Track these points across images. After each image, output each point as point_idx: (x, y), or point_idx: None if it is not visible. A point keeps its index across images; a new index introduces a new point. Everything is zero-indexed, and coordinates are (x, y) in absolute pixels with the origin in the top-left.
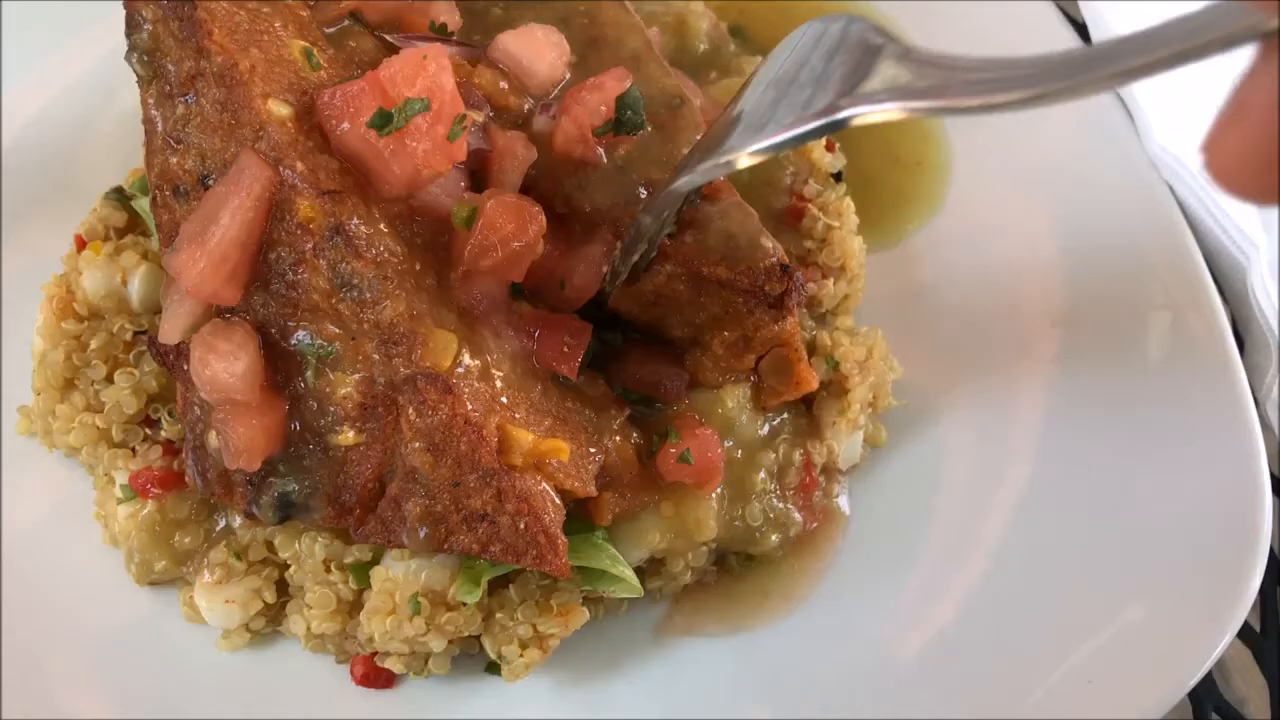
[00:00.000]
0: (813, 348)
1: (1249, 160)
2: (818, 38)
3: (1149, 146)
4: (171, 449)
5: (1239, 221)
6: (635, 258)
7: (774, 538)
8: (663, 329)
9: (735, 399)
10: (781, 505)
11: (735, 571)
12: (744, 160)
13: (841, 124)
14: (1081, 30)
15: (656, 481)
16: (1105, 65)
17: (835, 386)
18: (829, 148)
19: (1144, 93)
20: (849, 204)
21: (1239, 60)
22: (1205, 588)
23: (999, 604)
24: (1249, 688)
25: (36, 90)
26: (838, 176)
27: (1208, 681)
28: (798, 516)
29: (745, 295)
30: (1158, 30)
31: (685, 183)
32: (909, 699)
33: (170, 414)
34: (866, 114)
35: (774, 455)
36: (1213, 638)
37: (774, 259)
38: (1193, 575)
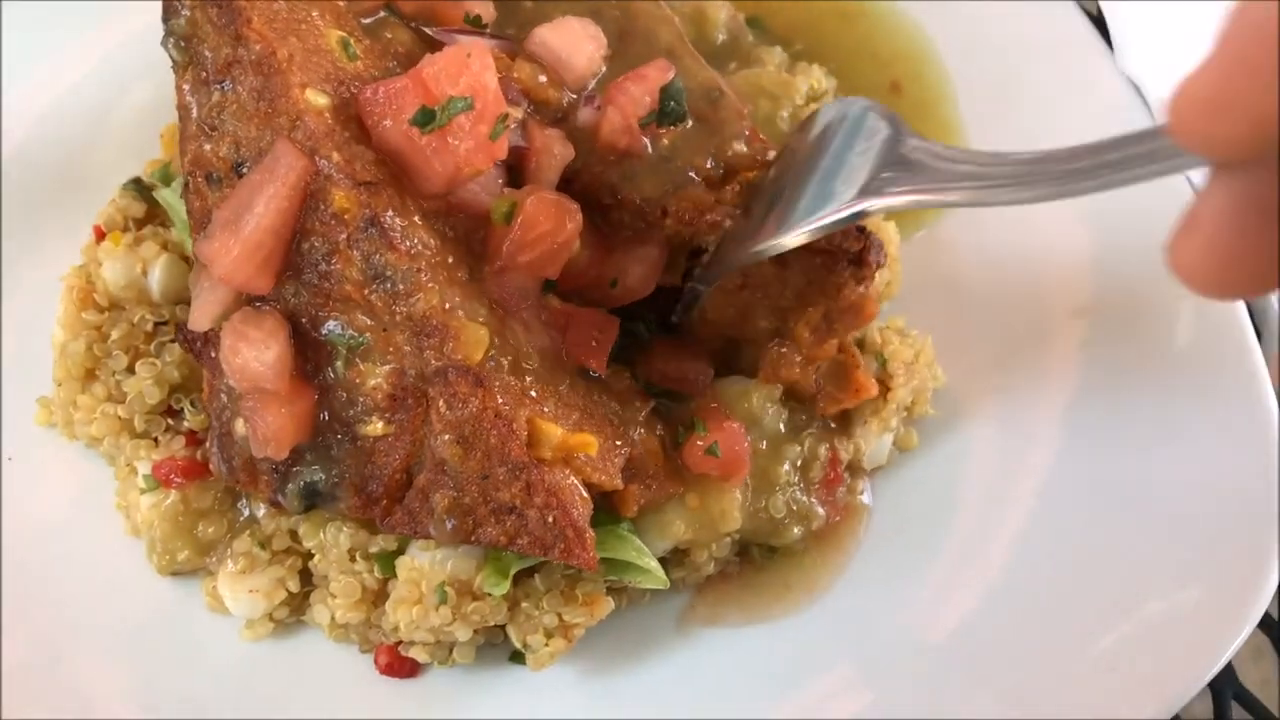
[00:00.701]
0: (862, 344)
1: (1204, 265)
2: (840, 120)
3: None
4: (194, 439)
5: None
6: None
7: (796, 530)
8: (746, 324)
9: (760, 393)
10: (805, 499)
11: (758, 563)
12: (789, 244)
13: (865, 214)
14: (1099, 24)
15: (681, 473)
16: (1085, 174)
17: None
18: None
19: (1159, 84)
20: None
21: None
22: (1226, 577)
23: (1021, 593)
24: (1268, 675)
25: (52, 82)
26: None
27: (1228, 669)
28: (820, 510)
29: (826, 256)
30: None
31: (736, 260)
32: (931, 688)
33: (193, 404)
34: (884, 207)
35: (799, 449)
36: (1234, 627)
37: None
38: (1214, 565)
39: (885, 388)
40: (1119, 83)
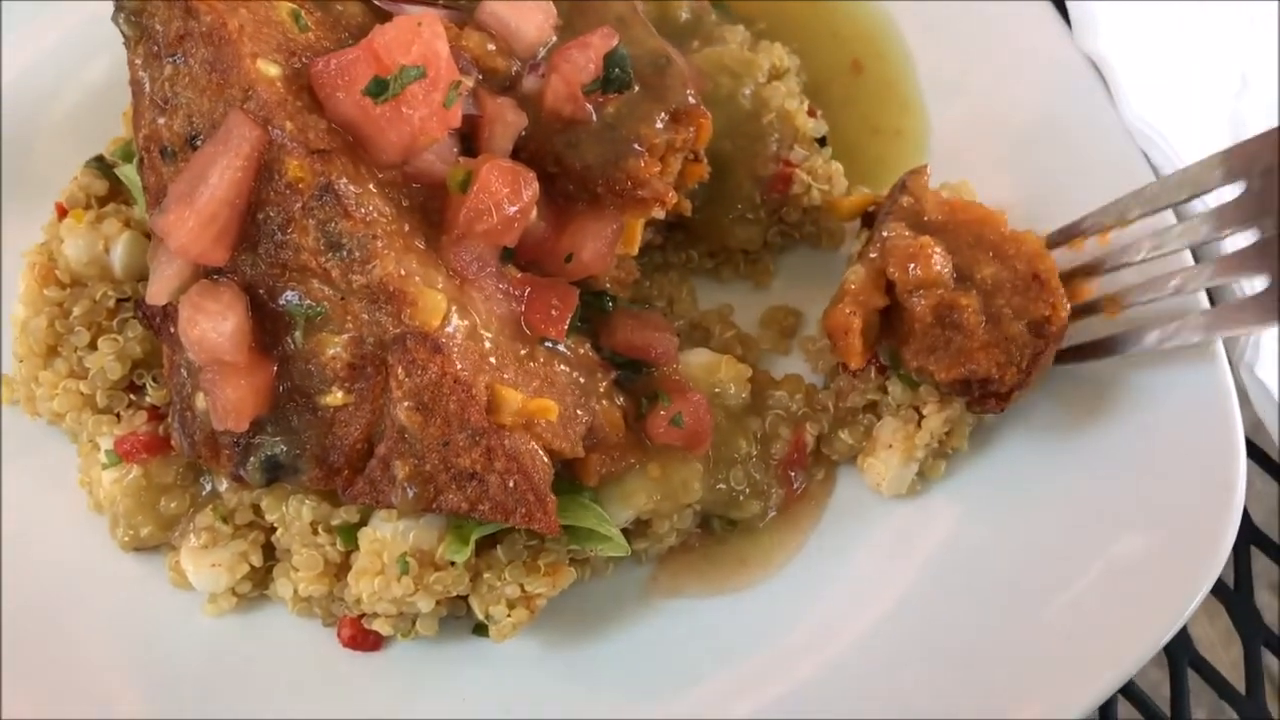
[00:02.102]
0: (896, 361)
1: None
2: None
3: (1125, 115)
4: (156, 414)
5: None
6: None
7: (755, 505)
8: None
9: (726, 366)
10: (764, 476)
11: (718, 535)
12: None
13: None
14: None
15: (643, 444)
16: None
17: (906, 410)
18: (811, 113)
19: (1120, 61)
20: (838, 167)
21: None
22: (1181, 545)
23: (976, 559)
24: (1223, 643)
25: (13, 59)
26: (822, 141)
27: (1183, 636)
28: (779, 489)
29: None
30: None
31: None
32: (885, 657)
33: (155, 379)
34: None
35: (761, 422)
36: (1188, 593)
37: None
38: (1168, 533)
39: (918, 414)
40: (1078, 59)
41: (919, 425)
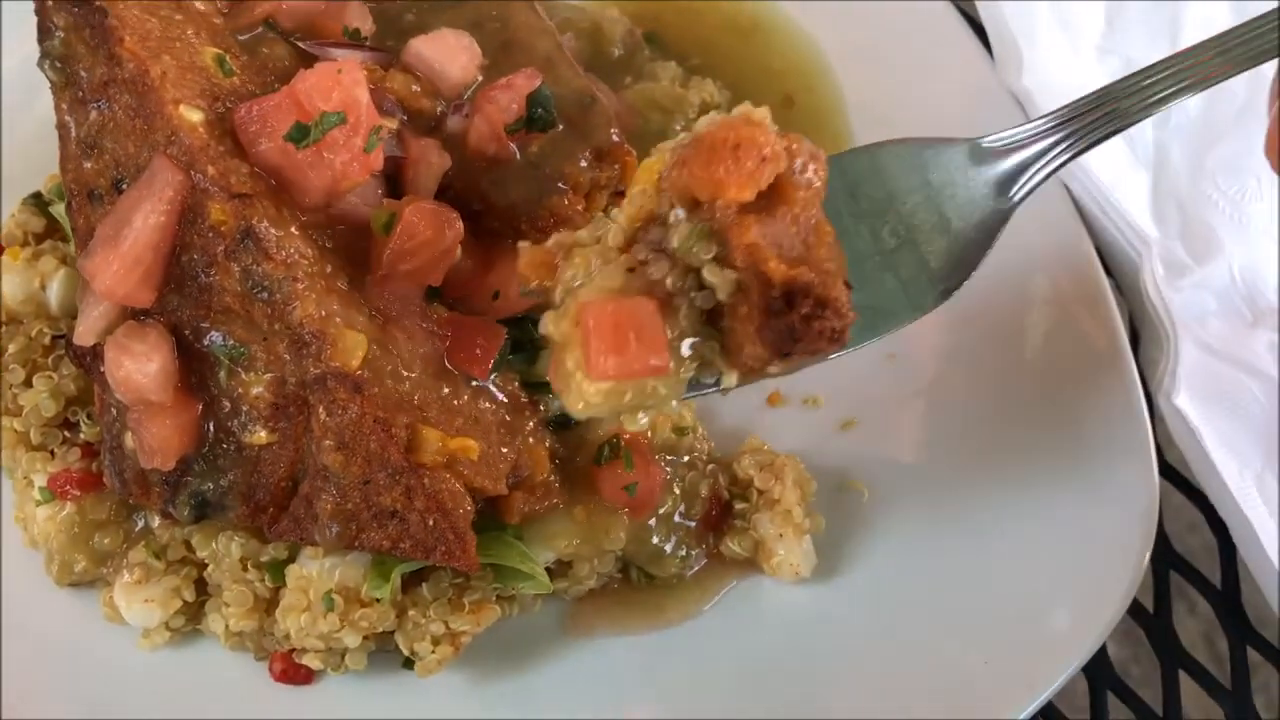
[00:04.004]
0: (735, 480)
1: None
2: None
3: None
4: (90, 451)
5: (1132, 217)
6: None
7: (674, 564)
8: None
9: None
10: (686, 535)
11: (635, 584)
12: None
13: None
14: (980, 32)
15: (574, 485)
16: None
17: (764, 499)
18: None
19: (1042, 92)
20: None
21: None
22: (1098, 567)
23: (892, 587)
24: (1143, 668)
25: None
26: None
27: (1103, 662)
28: (699, 552)
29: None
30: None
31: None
32: (804, 692)
33: (89, 416)
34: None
35: (682, 481)
36: (1104, 615)
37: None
38: (1085, 556)
39: (772, 500)
40: (1003, 95)
41: (783, 507)
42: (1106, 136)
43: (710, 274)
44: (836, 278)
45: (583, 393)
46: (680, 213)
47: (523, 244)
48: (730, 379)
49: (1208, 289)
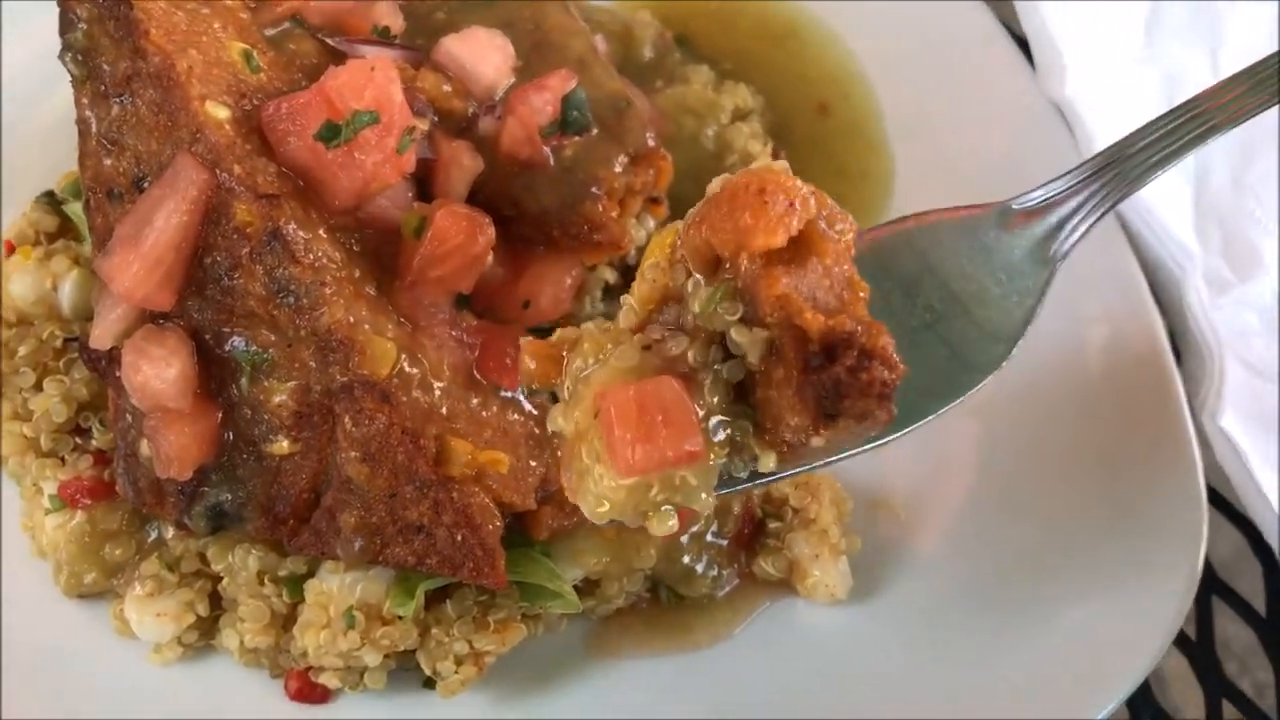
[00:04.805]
0: (769, 499)
1: None
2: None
3: (1088, 154)
4: (102, 458)
5: (1175, 233)
6: None
7: (705, 584)
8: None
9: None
10: (717, 554)
11: (664, 604)
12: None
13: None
14: (1025, 46)
15: None
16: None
17: (799, 518)
18: (775, 154)
19: (1086, 107)
20: None
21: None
22: (1142, 597)
23: (933, 618)
24: (1185, 696)
25: None
26: None
27: (1145, 691)
28: (730, 572)
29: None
30: None
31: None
32: (841, 713)
33: (101, 422)
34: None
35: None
36: (1149, 647)
37: None
38: (1130, 585)
39: (808, 520)
40: (1043, 103)
41: (820, 527)
42: (1140, 184)
43: (738, 335)
44: (880, 327)
45: (604, 492)
46: (698, 279)
47: (524, 339)
48: (768, 460)
49: (1250, 306)
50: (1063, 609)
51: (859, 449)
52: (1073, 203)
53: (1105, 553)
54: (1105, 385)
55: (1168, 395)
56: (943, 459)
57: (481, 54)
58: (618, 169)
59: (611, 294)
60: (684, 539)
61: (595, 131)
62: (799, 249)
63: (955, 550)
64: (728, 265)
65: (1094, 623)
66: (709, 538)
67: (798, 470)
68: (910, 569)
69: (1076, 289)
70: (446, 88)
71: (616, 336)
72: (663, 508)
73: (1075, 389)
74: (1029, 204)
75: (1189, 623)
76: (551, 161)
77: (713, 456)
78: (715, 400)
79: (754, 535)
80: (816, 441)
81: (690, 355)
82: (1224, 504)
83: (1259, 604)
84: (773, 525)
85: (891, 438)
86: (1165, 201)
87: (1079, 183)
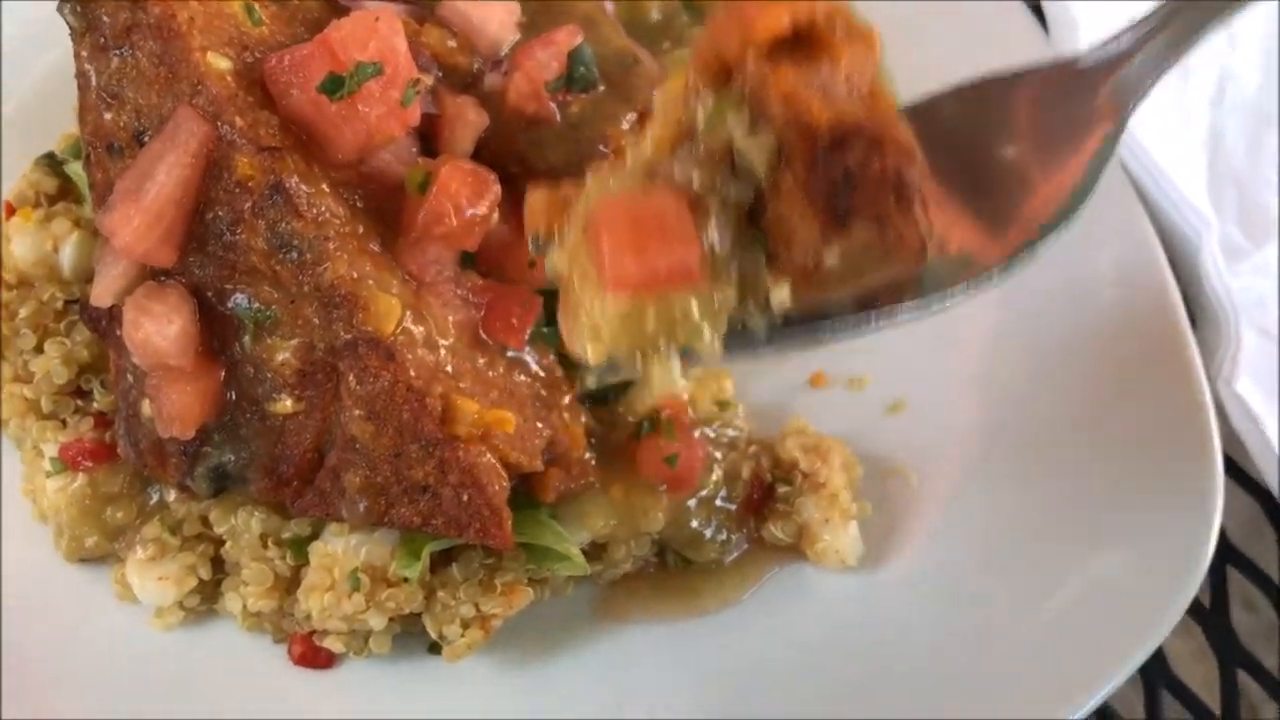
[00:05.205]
0: (778, 463)
1: None
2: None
3: None
4: (103, 420)
5: (1191, 198)
6: None
7: (714, 551)
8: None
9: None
10: (726, 518)
11: (672, 569)
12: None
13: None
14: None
15: (612, 463)
16: None
17: (809, 482)
18: None
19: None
20: None
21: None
22: (1157, 564)
23: (944, 582)
24: (1200, 665)
25: None
26: None
27: (1159, 659)
28: (739, 536)
29: None
30: None
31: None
32: (852, 680)
33: (102, 384)
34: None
35: (723, 462)
36: (1163, 614)
37: None
38: (1143, 553)
39: (821, 484)
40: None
41: (829, 491)
42: (1208, 29)
43: (743, 144)
44: (894, 117)
45: (595, 319)
46: (706, 95)
47: (531, 191)
48: (781, 291)
49: (1266, 273)
50: (1074, 577)
51: (897, 314)
52: (1140, 55)
53: (1118, 520)
54: (1119, 351)
55: (1183, 361)
56: (954, 426)
57: (487, 10)
58: (625, 126)
59: None
60: (691, 504)
61: (602, 88)
62: (812, 49)
63: (966, 517)
64: (736, 77)
65: (1106, 590)
66: (718, 502)
67: (819, 334)
68: (921, 536)
69: (1090, 251)
70: (451, 43)
71: (624, 172)
72: (663, 348)
73: (1088, 355)
74: (1094, 60)
75: (1203, 590)
76: (558, 118)
77: (718, 289)
78: (722, 227)
79: (763, 500)
80: (831, 259)
81: (695, 178)
82: (1238, 474)
83: (1275, 574)
84: (782, 490)
85: (945, 300)
86: (1180, 168)
87: (1146, 34)
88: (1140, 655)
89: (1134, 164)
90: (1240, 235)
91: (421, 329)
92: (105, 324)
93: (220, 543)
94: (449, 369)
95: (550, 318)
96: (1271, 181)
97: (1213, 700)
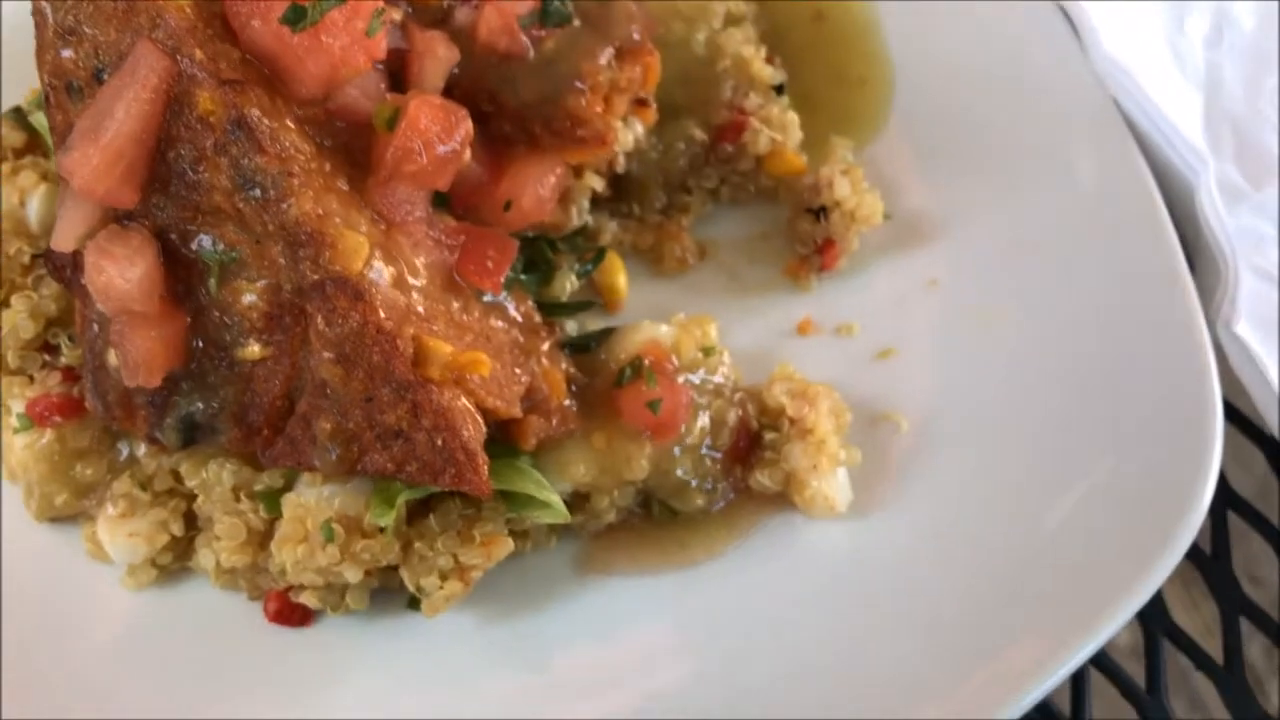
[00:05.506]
0: (764, 409)
1: None
2: None
3: (1095, 57)
4: (71, 375)
5: (1187, 136)
6: None
7: (700, 500)
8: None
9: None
10: (712, 466)
11: (657, 520)
12: None
13: None
14: None
15: (592, 411)
16: None
17: (796, 428)
18: (768, 60)
19: (1091, 6)
20: (793, 117)
21: None
22: (1154, 508)
23: (936, 528)
24: (1201, 612)
25: None
26: (779, 90)
27: (1158, 605)
28: (725, 485)
29: None
30: None
31: None
32: (842, 628)
33: (70, 339)
34: None
35: (708, 409)
36: (1161, 559)
37: None
38: (1141, 496)
39: (809, 430)
40: (1045, 5)
41: (817, 437)
42: None
43: None
44: None
45: None
46: None
47: None
48: None
49: (1265, 215)
50: (1070, 520)
51: None
52: None
53: (1116, 463)
54: (1114, 292)
55: (1180, 301)
56: (945, 371)
57: None
58: (602, 62)
59: (599, 204)
60: (676, 451)
61: (577, 23)
62: None
63: (958, 462)
64: None
65: (1103, 534)
66: (703, 450)
67: None
68: (912, 483)
69: (1083, 192)
70: None
71: None
72: None
73: (1083, 297)
74: None
75: (1203, 536)
76: (531, 53)
77: None
78: None
79: (750, 448)
80: None
81: None
82: (1238, 418)
83: (1275, 519)
84: (769, 437)
85: None
86: (1176, 107)
87: None
88: (1139, 598)
89: (1128, 102)
90: (1238, 176)
91: (391, 269)
92: (70, 273)
93: (192, 498)
94: (421, 311)
95: (528, 264)
96: (1271, 121)
97: (1214, 649)
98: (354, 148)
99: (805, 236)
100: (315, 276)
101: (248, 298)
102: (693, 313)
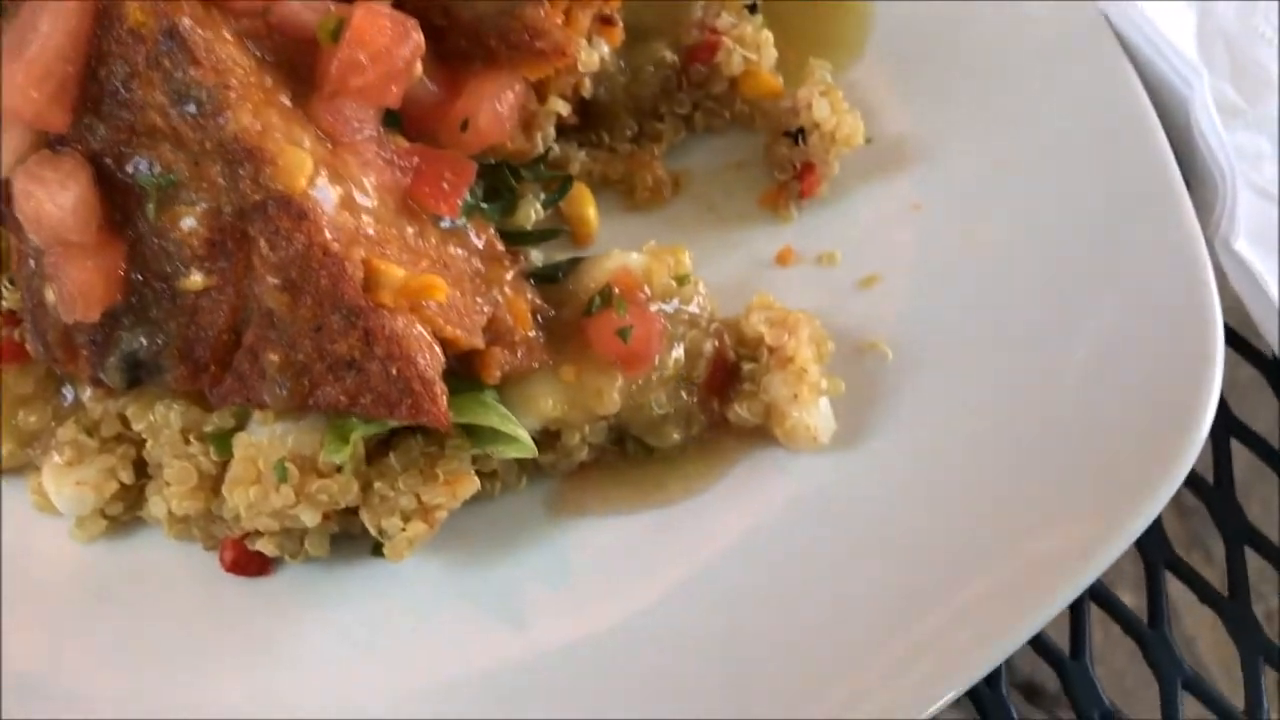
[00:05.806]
0: (742, 339)
1: None
2: None
3: None
4: (12, 319)
5: (1181, 47)
6: None
7: (676, 435)
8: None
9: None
10: (688, 399)
11: (632, 458)
12: None
13: None
14: None
15: (560, 343)
16: None
17: (775, 357)
18: None
19: None
20: (767, 36)
21: None
22: (1153, 431)
23: (922, 453)
24: (1204, 545)
25: None
26: (752, 9)
27: (1159, 536)
28: (702, 420)
29: None
30: None
31: None
32: (829, 566)
33: (11, 282)
34: None
35: (683, 340)
36: (1160, 485)
37: None
38: (1139, 419)
39: (785, 358)
40: None
41: (798, 366)
42: None
43: None
44: None
45: None
46: None
47: None
48: None
49: (1261, 131)
50: (1064, 447)
51: None
52: None
53: (1111, 387)
54: (1108, 210)
55: (1177, 217)
56: (931, 297)
57: None
58: None
59: (567, 133)
60: (651, 383)
61: None
62: None
63: (947, 390)
64: None
65: (1099, 460)
66: (678, 384)
67: None
68: (898, 411)
69: (1073, 109)
70: None
71: None
72: None
73: (1075, 216)
74: None
75: (1205, 464)
76: None
77: None
78: None
79: (727, 380)
80: None
81: None
82: (1238, 342)
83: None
84: (748, 368)
85: None
86: (1166, 24)
87: None
88: (1138, 527)
89: (1117, 15)
90: (1234, 92)
91: (339, 189)
92: (4, 208)
93: (141, 444)
94: (371, 234)
95: (489, 193)
96: (1266, 37)
97: (1217, 579)
98: (298, 64)
99: (783, 161)
100: (256, 196)
101: (187, 222)
102: (667, 244)
